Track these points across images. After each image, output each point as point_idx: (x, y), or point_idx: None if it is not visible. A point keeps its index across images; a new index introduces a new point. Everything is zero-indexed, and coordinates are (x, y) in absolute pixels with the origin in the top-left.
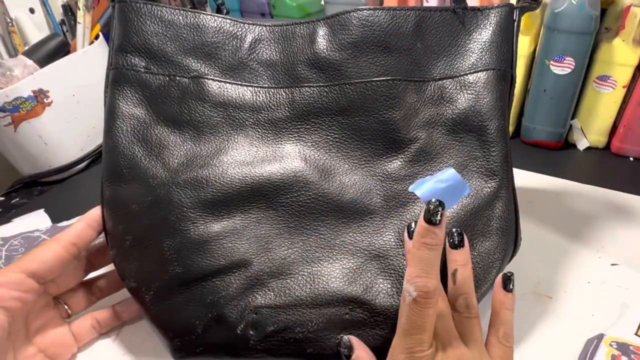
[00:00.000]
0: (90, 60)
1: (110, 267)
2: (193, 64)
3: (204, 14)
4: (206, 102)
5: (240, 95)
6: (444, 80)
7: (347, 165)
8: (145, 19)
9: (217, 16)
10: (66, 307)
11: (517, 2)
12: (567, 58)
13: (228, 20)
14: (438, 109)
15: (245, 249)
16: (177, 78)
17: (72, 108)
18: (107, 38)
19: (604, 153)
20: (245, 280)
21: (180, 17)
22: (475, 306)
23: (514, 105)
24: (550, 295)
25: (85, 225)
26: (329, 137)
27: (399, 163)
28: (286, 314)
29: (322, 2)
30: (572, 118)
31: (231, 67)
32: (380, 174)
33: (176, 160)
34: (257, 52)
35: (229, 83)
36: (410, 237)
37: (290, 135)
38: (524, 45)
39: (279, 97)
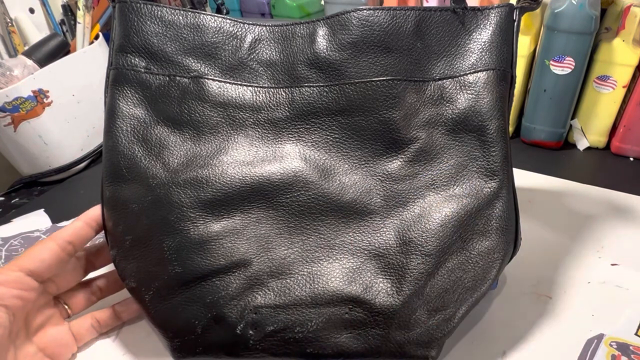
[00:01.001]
0: (90, 60)
1: (110, 267)
2: (193, 64)
3: (204, 14)
4: (206, 102)
5: (240, 95)
6: (444, 80)
7: (347, 165)
8: (146, 19)
9: (217, 16)
10: (66, 307)
11: (517, 2)
12: (567, 58)
13: (228, 20)
14: (438, 109)
15: (245, 249)
16: (177, 78)
17: (72, 108)
18: (107, 38)
19: (604, 153)
20: (245, 280)
21: (181, 17)
22: None
23: (514, 105)
24: (550, 295)
25: (83, 224)
26: (328, 137)
27: (399, 163)
28: (286, 314)
29: (322, 2)
30: (572, 118)
31: (231, 67)
32: (380, 174)
33: (176, 160)
34: (257, 52)
35: (229, 83)
36: None
37: (290, 135)
38: (524, 45)
39: (279, 97)
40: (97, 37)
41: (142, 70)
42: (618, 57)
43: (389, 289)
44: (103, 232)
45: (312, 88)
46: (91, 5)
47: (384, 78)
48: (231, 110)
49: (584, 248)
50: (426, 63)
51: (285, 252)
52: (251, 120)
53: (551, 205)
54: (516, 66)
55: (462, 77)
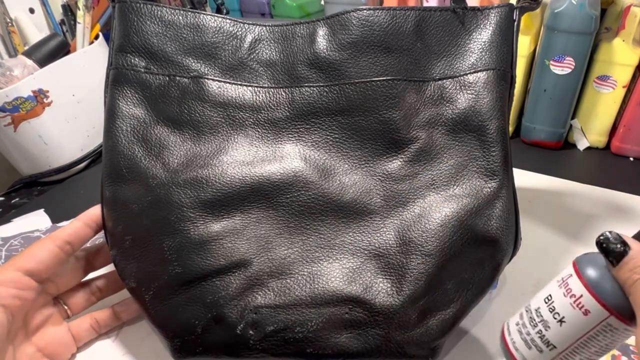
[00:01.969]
0: (90, 60)
1: (110, 268)
2: (193, 64)
3: (204, 14)
4: (206, 102)
5: (240, 95)
6: (444, 80)
7: (347, 165)
8: (146, 19)
9: (217, 16)
10: (65, 307)
11: (517, 2)
12: (567, 58)
13: (228, 20)
14: (438, 109)
15: (245, 249)
16: (177, 78)
17: (72, 108)
18: (107, 38)
19: (604, 153)
20: (245, 280)
21: (180, 17)
22: None
23: (514, 105)
24: None
25: (82, 224)
26: (329, 137)
27: (399, 163)
28: (286, 314)
29: (322, 2)
30: (572, 118)
31: (231, 67)
32: (380, 174)
33: (176, 160)
34: (257, 52)
35: (229, 83)
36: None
37: (290, 135)
38: (524, 45)
39: (279, 97)
40: (97, 37)
41: (142, 70)
42: (618, 57)
43: (389, 289)
44: (103, 232)
45: (312, 88)
46: (91, 5)
47: (384, 78)
48: (231, 110)
49: (583, 248)
50: (426, 63)
51: (285, 252)
52: (251, 120)
53: (551, 205)
54: (516, 66)
55: (462, 77)
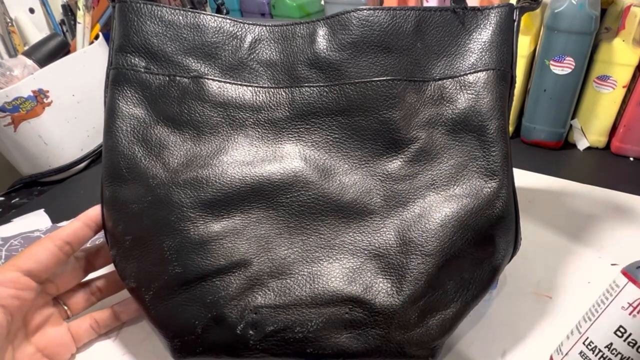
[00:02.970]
0: (90, 60)
1: (110, 268)
2: (193, 64)
3: (204, 14)
4: (206, 102)
5: (240, 95)
6: (444, 80)
7: (347, 165)
8: (146, 19)
9: (217, 16)
10: (65, 307)
11: (517, 2)
12: (567, 58)
13: (228, 20)
14: (438, 109)
15: (245, 249)
16: (177, 78)
17: (72, 108)
18: (107, 38)
19: (604, 153)
20: (245, 280)
21: (180, 17)
22: None
23: (514, 105)
24: (550, 295)
25: (81, 224)
26: (329, 137)
27: (399, 163)
28: (286, 314)
29: (322, 2)
30: (572, 118)
31: (231, 67)
32: (380, 174)
33: (176, 161)
34: (257, 52)
35: (229, 83)
36: None
37: (290, 135)
38: (524, 45)
39: (279, 97)
40: (97, 37)
41: (142, 70)
42: (618, 57)
43: (389, 289)
44: (103, 232)
45: (312, 88)
46: (91, 5)
47: (384, 78)
48: (231, 110)
49: (584, 248)
50: (426, 63)
51: (286, 252)
52: (251, 120)
53: (551, 205)
54: (516, 66)
55: (462, 77)
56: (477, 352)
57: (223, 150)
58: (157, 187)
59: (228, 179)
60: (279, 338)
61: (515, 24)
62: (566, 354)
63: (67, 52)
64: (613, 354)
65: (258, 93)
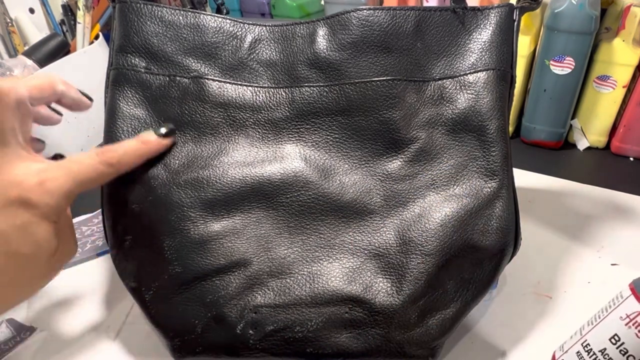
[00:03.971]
0: (90, 60)
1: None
2: (193, 64)
3: (204, 14)
4: (206, 103)
5: (240, 95)
6: (444, 80)
7: (347, 165)
8: (146, 19)
9: (217, 16)
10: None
11: (517, 2)
12: (567, 58)
13: (228, 20)
14: (438, 109)
15: (245, 249)
16: (178, 78)
17: None
18: (107, 38)
19: (604, 153)
20: (245, 280)
21: (181, 18)
22: None
23: (514, 105)
24: (550, 295)
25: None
26: (329, 137)
27: (399, 163)
28: (286, 314)
29: (322, 2)
30: (572, 118)
31: (231, 67)
32: (380, 174)
33: (177, 161)
34: (257, 52)
35: (229, 83)
36: None
37: (290, 135)
38: (524, 45)
39: (279, 97)
40: (97, 37)
41: (142, 70)
42: (618, 57)
43: (388, 289)
44: (102, 226)
45: (312, 88)
46: (91, 5)
47: (384, 78)
48: (231, 111)
49: (584, 248)
50: (426, 63)
51: (285, 251)
52: (251, 120)
53: (551, 205)
54: (516, 66)
55: (462, 77)
56: (477, 352)
57: (224, 151)
58: (158, 188)
59: (228, 179)
60: (278, 337)
61: (515, 24)
62: (566, 351)
63: (67, 52)
64: (605, 358)
65: (258, 93)
